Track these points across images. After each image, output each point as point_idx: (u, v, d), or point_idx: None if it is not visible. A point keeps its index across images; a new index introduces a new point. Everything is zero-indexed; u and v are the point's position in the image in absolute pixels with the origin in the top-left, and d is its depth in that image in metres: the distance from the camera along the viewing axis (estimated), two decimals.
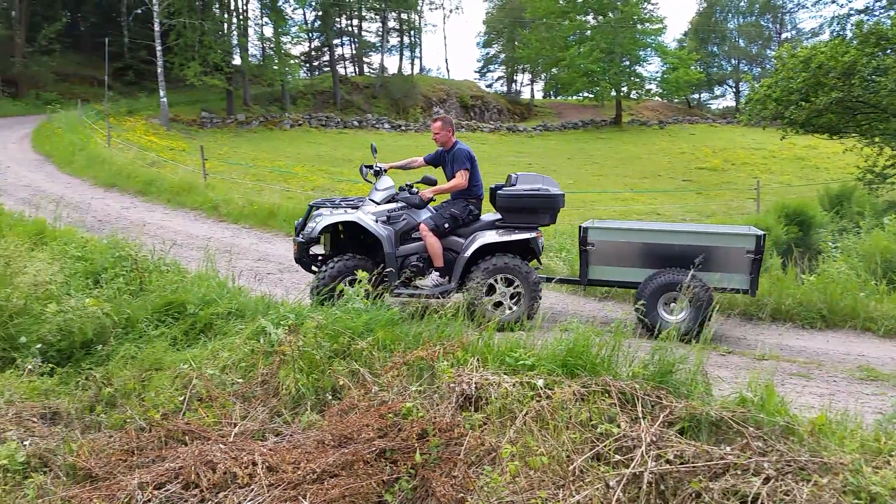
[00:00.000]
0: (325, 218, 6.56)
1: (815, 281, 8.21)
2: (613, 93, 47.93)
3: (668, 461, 3.10)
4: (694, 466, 3.05)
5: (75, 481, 3.45)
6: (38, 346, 5.15)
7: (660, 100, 55.53)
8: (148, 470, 3.24)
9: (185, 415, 4.04)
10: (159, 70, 29.86)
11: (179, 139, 27.76)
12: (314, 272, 6.82)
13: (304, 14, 46.70)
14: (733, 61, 61.33)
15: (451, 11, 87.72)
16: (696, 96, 62.41)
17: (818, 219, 17.92)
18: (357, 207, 6.63)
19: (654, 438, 3.24)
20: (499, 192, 6.84)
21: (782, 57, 22.95)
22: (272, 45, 37.87)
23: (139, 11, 33.85)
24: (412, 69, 53.07)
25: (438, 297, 6.67)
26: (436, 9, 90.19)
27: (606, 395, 3.78)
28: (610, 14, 47.06)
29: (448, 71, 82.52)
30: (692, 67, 49.03)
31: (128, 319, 5.80)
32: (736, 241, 6.83)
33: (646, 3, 49.00)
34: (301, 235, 6.70)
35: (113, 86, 35.18)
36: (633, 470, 3.05)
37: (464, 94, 49.27)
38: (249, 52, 38.68)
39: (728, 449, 3.20)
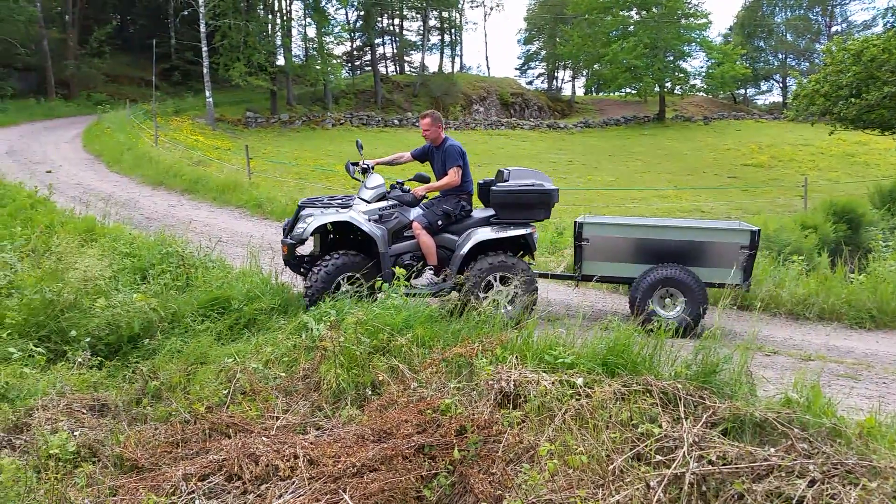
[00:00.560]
0: (317, 218, 6.32)
1: (865, 280, 8.00)
2: (657, 88, 47.20)
3: (710, 462, 3.06)
4: (737, 468, 3.00)
5: (122, 472, 3.54)
6: (88, 339, 5.30)
7: (704, 95, 54.49)
8: (192, 462, 3.32)
9: (229, 408, 4.12)
10: (205, 70, 30.43)
11: (225, 138, 28.25)
12: (302, 273, 6.62)
13: (347, 14, 47.12)
14: (780, 56, 59.93)
15: (491, 9, 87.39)
16: (742, 92, 61.14)
17: (868, 217, 17.42)
18: (347, 206, 6.44)
19: (697, 439, 3.20)
20: (493, 188, 6.70)
21: (832, 51, 22.35)
22: (315, 46, 38.25)
23: (186, 13, 34.55)
24: (452, 67, 53.08)
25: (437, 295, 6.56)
26: (477, 6, 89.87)
27: (648, 394, 3.74)
28: (653, 9, 46.31)
29: (488, 68, 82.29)
30: (738, 62, 47.99)
31: (174, 314, 5.94)
32: (730, 236, 6.86)
33: None
34: (290, 236, 6.43)
35: (160, 86, 35.99)
36: (675, 470, 3.01)
37: (504, 92, 49.08)
38: (293, 53, 39.17)
39: (772, 450, 3.14)
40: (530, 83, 63.96)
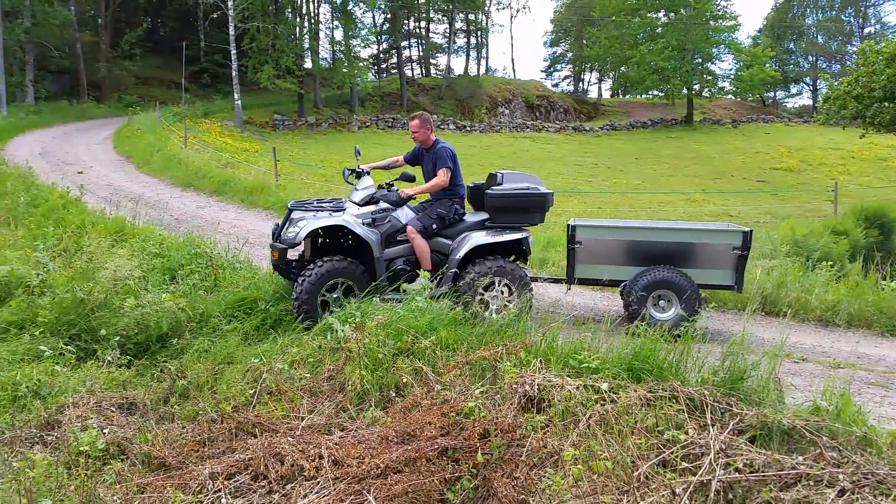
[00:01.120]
0: (310, 222, 6.11)
1: None
2: (685, 91, 46.75)
3: (737, 469, 3.02)
4: (764, 476, 2.96)
5: (150, 469, 3.60)
6: (117, 338, 5.40)
7: (733, 98, 53.88)
8: (219, 460, 3.36)
9: (255, 407, 4.17)
10: (234, 73, 30.77)
11: (253, 141, 28.54)
12: (292, 279, 6.39)
13: (373, 17, 47.33)
14: (811, 58, 59.04)
15: (518, 11, 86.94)
16: (772, 94, 60.33)
17: None
18: (339, 209, 6.28)
19: (723, 446, 3.16)
20: (488, 191, 6.59)
21: (865, 52, 21.95)
22: (342, 49, 38.49)
23: (215, 16, 34.95)
24: (478, 70, 53.07)
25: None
26: (503, 9, 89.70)
27: (674, 400, 3.71)
28: (682, 11, 45.90)
29: (514, 71, 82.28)
30: (767, 65, 47.38)
31: (202, 314, 6.03)
32: (723, 237, 6.82)
33: (719, 0, 47.70)
34: (280, 240, 6.23)
35: (189, 88, 36.49)
36: (701, 478, 2.98)
37: (529, 94, 48.97)
38: (320, 56, 39.44)
39: (800, 459, 3.09)
40: (556, 85, 63.80)
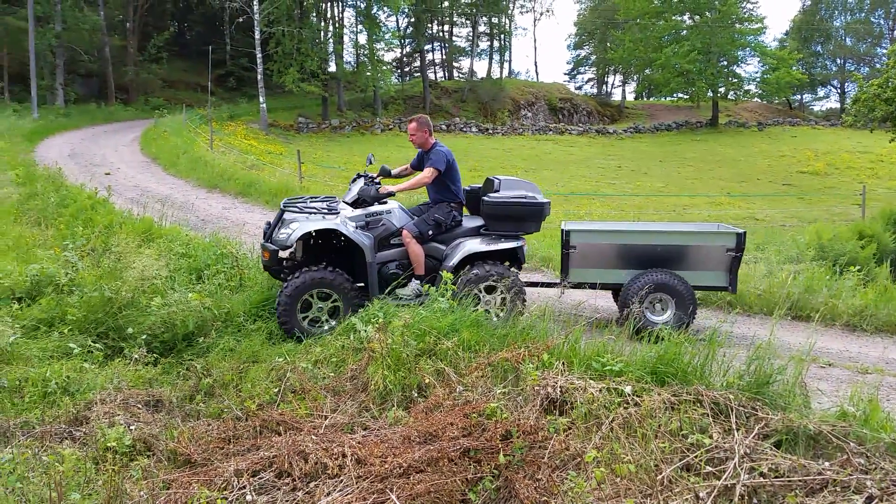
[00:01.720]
0: (302, 225, 5.97)
1: None
2: (710, 93, 46.34)
3: (761, 474, 3.00)
4: (789, 481, 2.93)
5: (176, 465, 3.65)
6: (144, 337, 5.47)
7: (759, 101, 53.31)
8: (244, 457, 3.39)
9: (280, 406, 4.21)
10: (259, 77, 31.07)
11: (277, 143, 28.78)
12: (282, 279, 6.29)
13: (397, 21, 47.53)
14: (838, 61, 58.21)
15: (541, 14, 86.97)
16: (798, 97, 59.58)
17: None
18: (332, 209, 6.17)
19: (748, 450, 3.14)
20: (484, 198, 6.48)
21: None
22: (366, 52, 38.69)
23: (241, 20, 35.35)
24: (501, 73, 53.04)
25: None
26: (526, 12, 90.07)
27: (698, 404, 3.68)
28: (707, 14, 45.53)
29: (537, 74, 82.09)
30: (794, 68, 46.79)
31: (227, 314, 6.08)
32: (717, 239, 6.79)
33: (745, 3, 47.20)
34: (271, 241, 6.12)
35: (215, 92, 36.90)
36: (725, 482, 2.96)
37: (552, 97, 48.83)
38: (344, 59, 39.71)
39: (827, 464, 3.06)
40: (579, 88, 63.57)
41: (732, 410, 3.57)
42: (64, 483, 3.21)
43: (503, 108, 44.96)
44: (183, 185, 15.72)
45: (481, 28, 51.67)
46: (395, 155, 28.83)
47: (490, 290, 6.32)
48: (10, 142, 19.05)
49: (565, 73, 73.01)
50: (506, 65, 56.33)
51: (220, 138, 23.94)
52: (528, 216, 6.52)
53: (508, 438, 3.49)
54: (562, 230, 6.96)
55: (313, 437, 3.52)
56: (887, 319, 7.40)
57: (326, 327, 5.89)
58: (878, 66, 48.73)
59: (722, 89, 46.78)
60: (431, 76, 51.03)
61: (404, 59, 54.86)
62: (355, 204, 6.31)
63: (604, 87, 63.35)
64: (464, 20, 52.23)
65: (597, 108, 51.03)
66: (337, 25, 39.22)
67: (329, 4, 38.71)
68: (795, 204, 22.70)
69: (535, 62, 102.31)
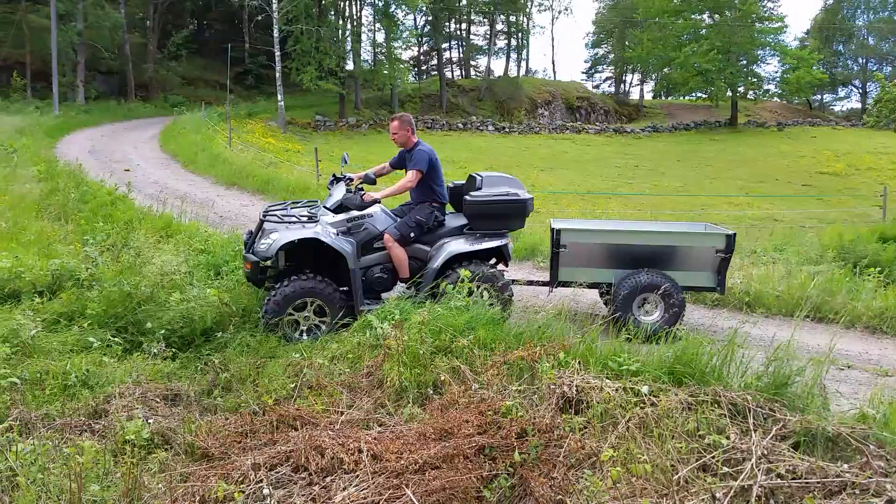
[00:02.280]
0: (283, 234, 5.81)
1: None
2: (729, 93, 45.98)
3: (779, 476, 2.98)
4: (807, 482, 2.91)
5: (193, 459, 3.68)
6: (163, 331, 5.51)
7: (779, 101, 52.82)
8: (261, 452, 3.42)
9: (296, 401, 4.23)
10: (277, 75, 31.24)
11: (295, 141, 28.91)
12: (268, 289, 6.14)
13: (415, 19, 47.58)
14: (860, 60, 57.54)
15: (559, 13, 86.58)
16: (818, 97, 58.95)
17: None
18: (312, 216, 6.04)
19: (766, 452, 3.11)
20: (466, 197, 6.36)
21: None
22: (383, 51, 38.79)
23: (260, 18, 35.57)
24: (518, 71, 52.94)
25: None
26: (544, 10, 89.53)
27: (716, 405, 3.66)
28: (726, 13, 45.18)
29: (554, 72, 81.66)
30: (814, 67, 46.30)
31: (244, 310, 6.12)
32: (707, 240, 6.79)
33: (765, 2, 46.81)
34: (252, 252, 5.95)
35: (234, 89, 37.14)
36: (742, 483, 2.94)
37: (569, 96, 48.68)
38: (362, 58, 39.82)
39: (846, 466, 3.03)
40: (597, 87, 63.33)
41: (750, 411, 3.55)
42: (83, 475, 3.25)
43: (520, 107, 44.88)
44: (201, 182, 15.84)
45: (499, 26, 51.64)
46: None
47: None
48: (33, 138, 19.27)
49: (583, 72, 72.58)
50: (523, 63, 56.27)
51: (239, 136, 24.09)
52: (511, 213, 6.41)
53: (524, 437, 3.49)
54: (552, 229, 6.90)
55: (329, 432, 3.53)
56: None
57: (311, 336, 5.77)
58: None
59: (741, 89, 46.44)
60: (448, 74, 51.06)
61: (421, 57, 54.97)
62: (338, 209, 6.16)
63: (622, 85, 63.08)
64: (481, 18, 52.23)
65: (614, 107, 50.81)
66: (355, 23, 39.37)
67: (347, 3, 38.94)
68: (815, 205, 22.46)
69: (553, 60, 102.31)
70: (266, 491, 3.03)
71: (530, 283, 7.33)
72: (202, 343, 5.70)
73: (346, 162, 6.79)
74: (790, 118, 49.06)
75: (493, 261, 6.60)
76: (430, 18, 46.57)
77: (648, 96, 59.71)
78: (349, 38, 37.99)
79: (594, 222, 8.46)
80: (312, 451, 3.28)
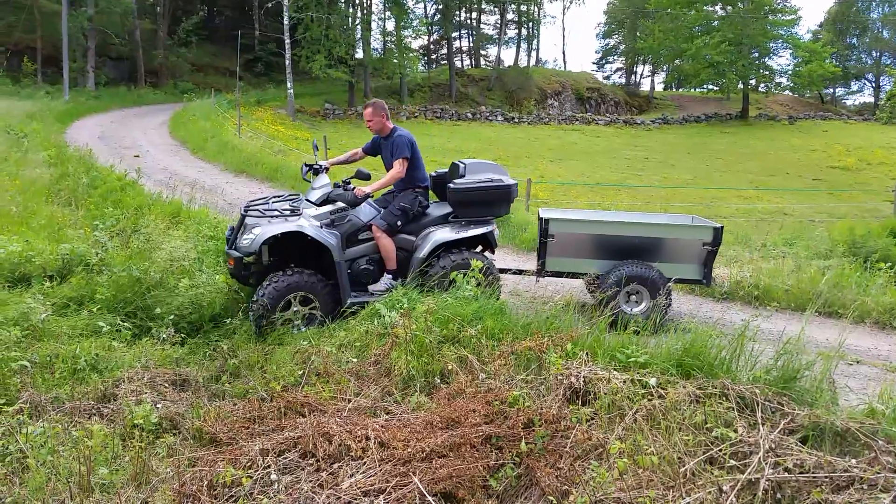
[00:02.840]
0: (265, 229, 5.67)
1: None
2: (740, 85, 45.64)
3: (786, 469, 2.97)
4: (814, 477, 2.90)
5: (201, 444, 3.70)
6: (172, 317, 5.55)
7: (790, 94, 52.40)
8: (268, 438, 3.43)
9: (304, 388, 4.25)
10: (287, 62, 31.20)
11: (304, 129, 28.91)
12: (251, 285, 6.06)
13: (425, 7, 47.46)
14: (874, 54, 56.97)
15: (571, 2, 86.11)
16: (831, 91, 58.44)
17: None
18: (294, 210, 5.92)
19: (773, 445, 3.10)
20: (450, 185, 6.30)
21: None
22: (393, 39, 38.68)
23: (270, 5, 35.55)
24: (528, 61, 52.76)
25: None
26: (555, 0, 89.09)
27: (724, 398, 3.65)
28: (739, 4, 44.79)
29: (565, 63, 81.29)
30: (827, 61, 45.88)
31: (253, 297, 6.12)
32: (695, 232, 6.83)
33: None
34: (235, 248, 5.81)
35: (243, 77, 37.13)
36: (749, 476, 2.93)
37: (580, 86, 48.44)
38: (371, 46, 39.73)
39: (854, 462, 3.02)
40: (607, 78, 63.07)
41: (758, 405, 3.54)
42: (92, 458, 3.27)
43: (529, 97, 44.70)
44: (210, 169, 15.86)
45: (510, 16, 51.43)
46: (421, 143, 28.80)
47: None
48: (43, 123, 19.32)
49: (593, 63, 72.56)
50: (533, 53, 56.15)
51: (248, 123, 24.09)
52: (495, 200, 6.37)
53: (530, 427, 3.49)
54: (540, 218, 6.89)
55: (337, 419, 3.54)
56: None
57: (301, 329, 5.67)
58: None
59: (753, 81, 46.08)
60: (458, 64, 50.89)
61: (431, 46, 54.78)
62: (324, 204, 6.05)
63: (632, 77, 62.80)
64: (492, 7, 52.02)
65: (625, 98, 50.55)
66: (365, 11, 39.26)
67: None
68: (825, 199, 22.33)
69: (563, 51, 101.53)
70: (274, 476, 3.04)
71: (518, 271, 7.35)
72: (211, 329, 5.73)
73: (317, 149, 6.71)
74: (801, 111, 48.68)
75: (479, 248, 6.58)
76: (440, 7, 46.43)
77: (659, 88, 59.55)
78: (359, 27, 37.88)
79: (583, 212, 8.44)
80: (320, 438, 3.29)
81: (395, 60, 37.91)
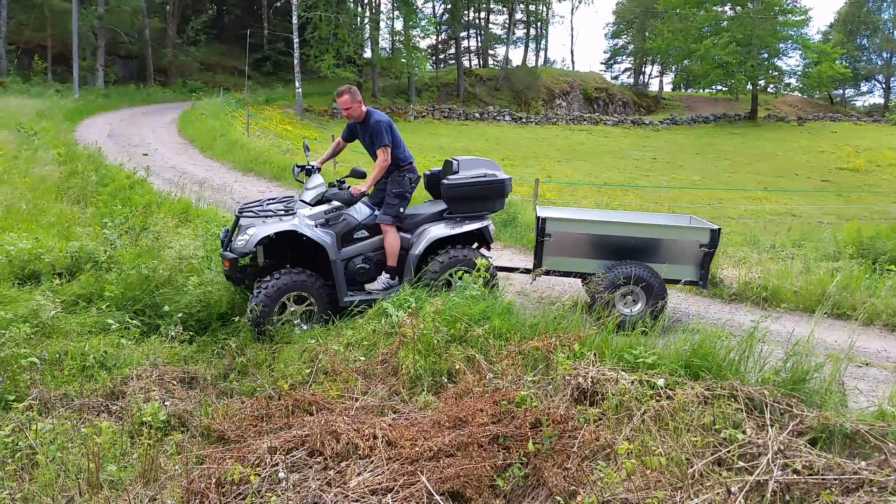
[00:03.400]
0: (260, 229, 5.65)
1: None
2: (749, 86, 45.46)
3: (795, 471, 2.96)
4: (824, 479, 2.89)
5: (209, 442, 3.72)
6: (180, 315, 5.56)
7: (799, 95, 52.16)
8: (276, 436, 3.44)
9: (311, 387, 4.26)
10: (296, 62, 31.25)
11: (312, 128, 28.95)
12: (247, 286, 6.03)
13: (434, 7, 47.46)
14: (885, 55, 56.57)
15: (579, 2, 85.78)
16: (840, 92, 58.11)
17: None
18: (289, 210, 5.91)
19: (782, 447, 3.09)
20: (444, 181, 6.27)
21: None
22: (401, 39, 38.73)
23: (279, 4, 35.62)
24: (536, 61, 52.66)
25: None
26: (564, 0, 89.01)
27: (732, 399, 3.64)
28: (748, 5, 44.61)
29: (573, 62, 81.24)
30: (837, 62, 45.63)
31: None
32: (692, 234, 6.78)
33: None
34: (229, 249, 5.78)
35: (252, 76, 37.22)
36: (758, 477, 2.92)
37: (588, 86, 48.35)
38: (380, 45, 39.78)
39: (863, 464, 3.00)
40: (616, 78, 62.91)
41: (767, 406, 3.52)
42: (101, 454, 3.29)
43: (537, 97, 44.67)
44: (219, 168, 15.90)
45: (518, 15, 51.37)
46: (428, 142, 28.83)
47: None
48: (53, 121, 19.41)
49: (602, 63, 72.26)
50: (541, 53, 56.05)
51: (256, 122, 24.14)
52: (490, 195, 6.37)
53: (538, 427, 3.49)
54: (537, 217, 6.86)
55: (345, 418, 3.55)
56: None
57: (299, 330, 5.65)
58: None
59: (762, 82, 45.90)
60: (466, 64, 50.89)
61: (439, 45, 54.85)
62: (319, 204, 6.02)
63: (641, 77, 62.61)
64: (500, 7, 52.00)
65: (633, 98, 50.43)
66: (373, 11, 39.31)
67: None
68: (834, 200, 22.22)
69: (572, 51, 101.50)
70: (282, 474, 3.05)
71: (514, 269, 7.29)
72: (219, 327, 5.75)
73: (308, 150, 6.68)
74: (810, 112, 48.45)
75: (475, 245, 6.57)
76: (448, 7, 46.45)
77: (668, 88, 59.25)
78: (367, 26, 37.94)
79: (581, 212, 8.40)
80: (328, 436, 3.29)
81: (403, 60, 37.94)
